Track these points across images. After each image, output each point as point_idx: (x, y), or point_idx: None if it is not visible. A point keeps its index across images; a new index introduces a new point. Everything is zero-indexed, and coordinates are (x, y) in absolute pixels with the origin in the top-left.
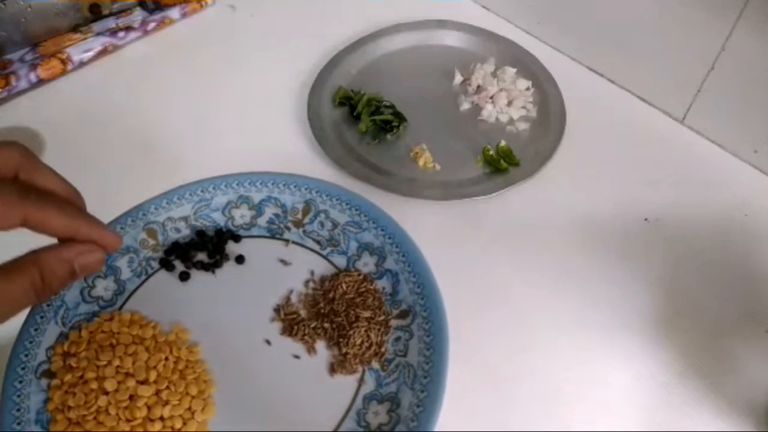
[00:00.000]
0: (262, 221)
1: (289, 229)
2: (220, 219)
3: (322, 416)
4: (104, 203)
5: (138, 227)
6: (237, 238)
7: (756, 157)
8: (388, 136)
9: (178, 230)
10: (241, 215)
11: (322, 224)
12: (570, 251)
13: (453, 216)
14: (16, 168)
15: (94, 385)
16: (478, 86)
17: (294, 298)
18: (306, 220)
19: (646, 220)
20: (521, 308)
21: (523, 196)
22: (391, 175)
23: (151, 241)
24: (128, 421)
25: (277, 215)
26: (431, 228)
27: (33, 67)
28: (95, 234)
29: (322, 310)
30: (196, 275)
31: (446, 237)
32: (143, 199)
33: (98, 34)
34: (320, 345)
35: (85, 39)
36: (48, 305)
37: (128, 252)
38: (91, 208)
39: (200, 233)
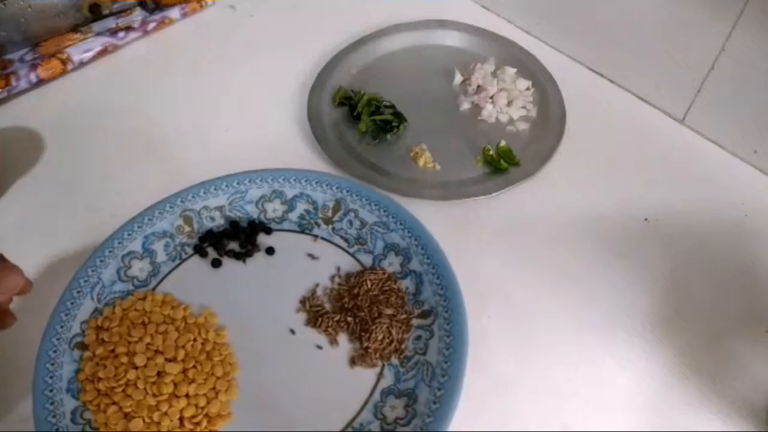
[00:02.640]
0: (294, 216)
1: (318, 225)
2: (253, 211)
3: (341, 406)
4: (104, 203)
5: (175, 213)
6: (268, 231)
7: (756, 157)
8: (388, 136)
9: (212, 219)
10: (274, 209)
11: (351, 223)
12: (570, 251)
13: (453, 216)
14: None
15: (124, 360)
16: (478, 86)
17: (319, 292)
18: (336, 217)
19: (645, 219)
20: (521, 308)
21: (523, 196)
22: (391, 175)
23: (187, 228)
24: (155, 395)
25: (308, 211)
26: (431, 228)
27: (33, 67)
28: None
29: (346, 305)
30: (228, 263)
31: (446, 237)
32: (143, 198)
33: (98, 34)
34: (342, 338)
35: (85, 39)
36: (85, 281)
37: (165, 236)
38: (92, 207)
39: (234, 223)
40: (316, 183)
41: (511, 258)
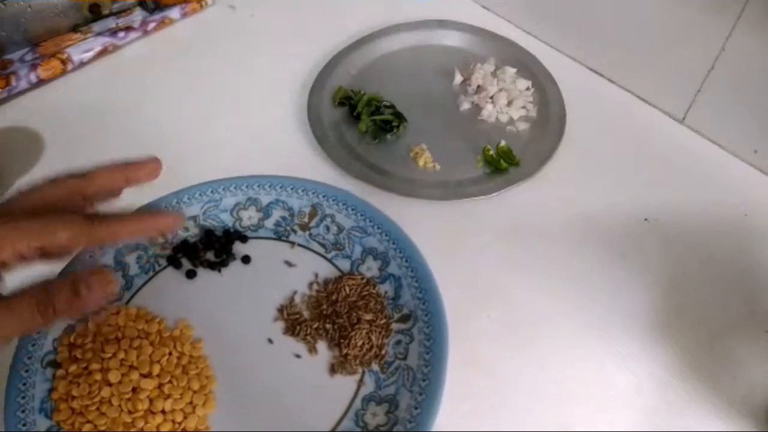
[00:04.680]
0: (269, 223)
1: (295, 231)
2: (228, 219)
3: (321, 415)
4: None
5: None
6: (244, 239)
7: (756, 157)
8: (388, 136)
9: (186, 229)
10: (249, 217)
11: (327, 228)
12: (570, 251)
13: (453, 216)
14: (73, 192)
15: (98, 377)
16: (478, 86)
17: (297, 299)
18: (312, 223)
19: (646, 219)
20: (521, 308)
21: (523, 196)
22: (391, 175)
23: (160, 239)
24: (130, 412)
25: (284, 218)
26: (431, 228)
27: (33, 67)
28: (159, 224)
29: (325, 312)
30: (203, 273)
31: (446, 237)
32: (143, 198)
33: (98, 34)
34: (321, 345)
35: (85, 39)
36: None
37: (137, 248)
38: None
39: (208, 232)
40: (292, 189)
41: (510, 258)
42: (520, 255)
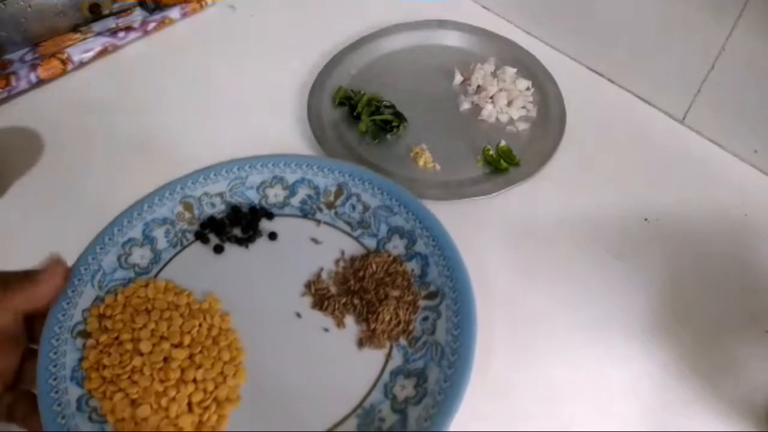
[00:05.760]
0: (295, 201)
1: (321, 210)
2: (254, 197)
3: (350, 387)
4: (103, 203)
5: (175, 200)
6: (270, 216)
7: (756, 157)
8: (388, 136)
9: (213, 205)
10: (275, 194)
11: (353, 207)
12: (570, 251)
13: (453, 216)
14: None
15: (129, 347)
16: (478, 86)
17: (324, 275)
18: (338, 202)
19: (646, 220)
20: (520, 308)
21: (523, 196)
22: (391, 175)
23: (187, 214)
24: (162, 381)
25: (310, 196)
26: None
27: (33, 67)
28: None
29: (352, 288)
30: (230, 249)
31: None
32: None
33: (98, 34)
34: (349, 320)
35: (85, 39)
36: (85, 269)
37: (165, 223)
38: (91, 207)
39: (235, 209)
40: (318, 168)
41: (510, 258)
42: (519, 255)
